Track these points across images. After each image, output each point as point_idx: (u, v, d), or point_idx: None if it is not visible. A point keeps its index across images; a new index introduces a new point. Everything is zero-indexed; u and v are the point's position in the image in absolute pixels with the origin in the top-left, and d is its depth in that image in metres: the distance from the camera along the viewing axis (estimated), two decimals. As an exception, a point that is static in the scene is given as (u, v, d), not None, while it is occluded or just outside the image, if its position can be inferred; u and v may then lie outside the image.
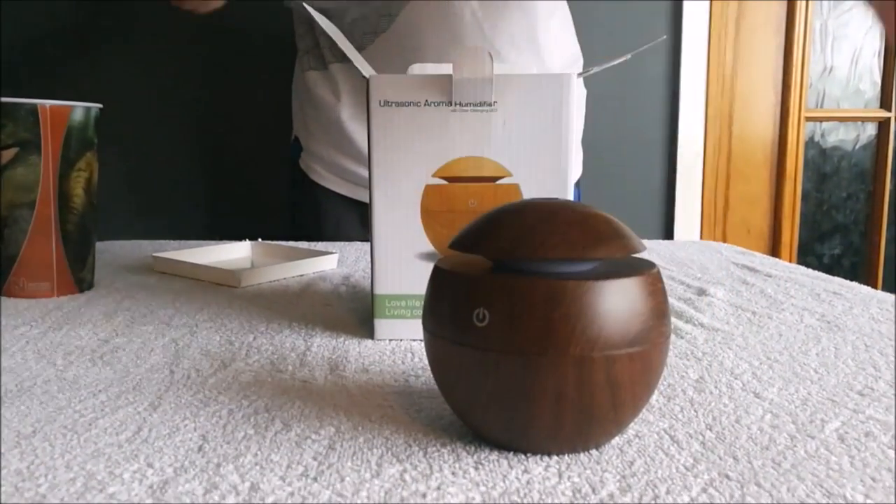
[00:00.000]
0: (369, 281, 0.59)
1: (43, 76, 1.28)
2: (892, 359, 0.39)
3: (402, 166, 0.41)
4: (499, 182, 0.41)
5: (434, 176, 0.41)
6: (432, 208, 0.42)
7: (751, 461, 0.26)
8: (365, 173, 0.83)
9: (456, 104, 0.40)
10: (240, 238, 0.71)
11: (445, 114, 0.40)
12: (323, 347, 0.41)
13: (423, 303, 0.42)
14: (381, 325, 0.42)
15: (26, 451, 0.26)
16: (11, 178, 0.51)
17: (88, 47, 1.31)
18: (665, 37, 0.42)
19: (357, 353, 0.40)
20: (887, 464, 0.26)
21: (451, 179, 0.41)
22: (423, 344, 0.42)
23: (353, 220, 0.89)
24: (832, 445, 0.27)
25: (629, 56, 0.45)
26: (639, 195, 1.46)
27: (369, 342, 0.42)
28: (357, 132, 0.85)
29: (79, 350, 0.40)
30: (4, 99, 0.50)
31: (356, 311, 0.49)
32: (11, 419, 0.29)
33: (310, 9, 0.43)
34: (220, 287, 0.57)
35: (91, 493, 0.23)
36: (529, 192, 0.41)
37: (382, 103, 0.41)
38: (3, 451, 0.26)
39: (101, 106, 0.55)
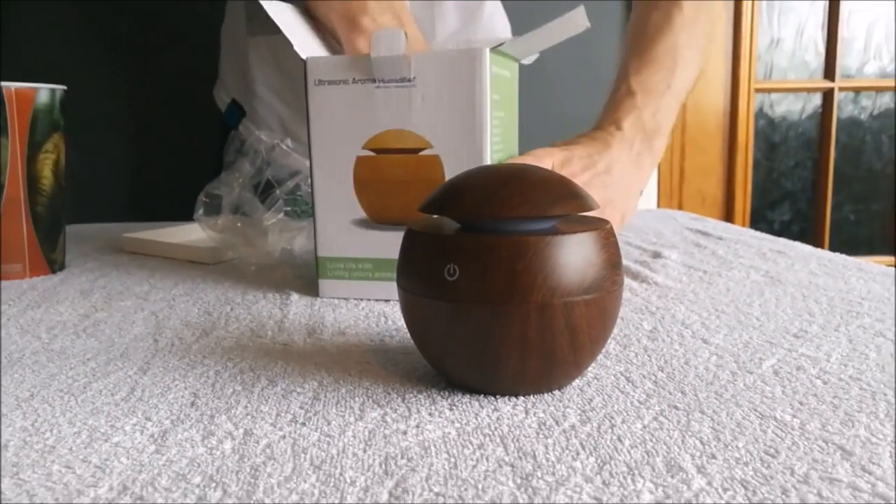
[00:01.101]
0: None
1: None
2: (826, 305, 0.42)
3: (336, 140, 0.45)
4: (421, 153, 0.44)
5: (364, 148, 0.44)
6: (363, 178, 0.45)
7: (696, 394, 0.29)
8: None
9: (380, 81, 0.43)
10: (184, 217, 0.71)
11: (371, 90, 0.44)
12: (299, 315, 0.42)
13: (362, 265, 0.46)
14: (325, 285, 0.47)
15: (28, 412, 0.28)
16: (-22, 160, 0.51)
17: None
18: (588, 26, 0.44)
19: (333, 318, 0.42)
20: (814, 390, 0.29)
21: (378, 151, 0.44)
22: (395, 308, 0.44)
23: None
24: (767, 378, 0.30)
25: (554, 22, 0.46)
26: (598, 168, 1.49)
27: (344, 309, 0.44)
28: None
29: (61, 325, 0.41)
30: (-32, 81, 0.50)
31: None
32: (7, 386, 0.31)
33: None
34: (193, 264, 0.59)
35: (97, 443, 0.25)
36: (449, 163, 0.43)
37: (317, 82, 0.44)
38: (4, 411, 0.28)
39: (65, 88, 0.55)
